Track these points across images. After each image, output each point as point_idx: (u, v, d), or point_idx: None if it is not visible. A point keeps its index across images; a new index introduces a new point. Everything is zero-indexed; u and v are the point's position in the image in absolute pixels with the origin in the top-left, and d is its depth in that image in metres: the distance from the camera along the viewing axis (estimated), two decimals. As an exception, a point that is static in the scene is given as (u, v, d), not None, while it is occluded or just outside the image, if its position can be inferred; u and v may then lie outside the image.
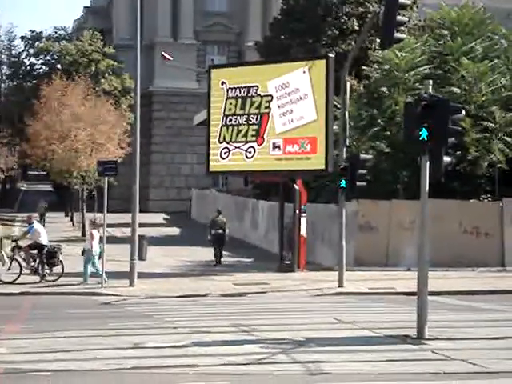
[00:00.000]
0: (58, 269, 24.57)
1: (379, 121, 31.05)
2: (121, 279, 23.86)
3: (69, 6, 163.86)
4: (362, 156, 24.30)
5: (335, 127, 26.88)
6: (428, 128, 14.15)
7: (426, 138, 14.19)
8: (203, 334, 14.60)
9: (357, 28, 37.59)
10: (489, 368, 11.51)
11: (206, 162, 28.61)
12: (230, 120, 27.50)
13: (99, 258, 24.18)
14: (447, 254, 26.60)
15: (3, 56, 69.53)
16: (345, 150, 23.67)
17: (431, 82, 15.44)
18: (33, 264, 24.53)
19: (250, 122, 27.13)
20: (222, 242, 30.37)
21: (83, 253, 24.50)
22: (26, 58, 66.02)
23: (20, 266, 24.30)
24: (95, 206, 37.68)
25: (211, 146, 28.02)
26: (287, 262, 27.51)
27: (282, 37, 40.26)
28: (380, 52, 31.76)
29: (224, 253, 32.54)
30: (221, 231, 30.42)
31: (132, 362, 12.11)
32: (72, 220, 49.78)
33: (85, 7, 77.45)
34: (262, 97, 26.95)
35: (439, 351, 12.79)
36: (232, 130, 27.44)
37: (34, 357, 12.67)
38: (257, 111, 27.04)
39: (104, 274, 23.50)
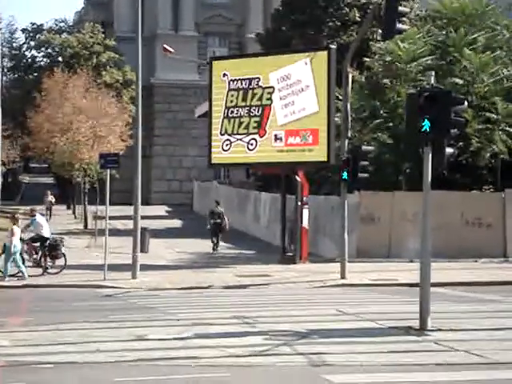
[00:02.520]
0: (60, 261, 24.62)
1: (381, 112, 30.98)
2: (123, 271, 23.87)
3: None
4: (364, 148, 24.30)
5: (337, 119, 26.84)
6: (430, 119, 14.11)
7: (428, 130, 14.15)
8: (206, 326, 14.60)
9: (358, 19, 37.53)
10: (491, 359, 11.52)
11: (208, 154, 28.60)
12: (232, 112, 27.47)
13: (20, 253, 23.76)
14: (450, 246, 26.57)
15: (4, 49, 69.39)
16: (347, 141, 23.63)
17: (433, 73, 15.39)
18: (35, 257, 24.57)
19: (252, 114, 27.10)
20: (219, 230, 32.27)
21: (3, 250, 23.46)
22: (27, 50, 65.87)
23: (23, 258, 24.30)
24: (97, 199, 37.63)
25: (213, 138, 28.01)
26: (289, 254, 27.51)
27: (284, 28, 40.24)
28: (382, 43, 31.67)
29: (226, 245, 32.65)
30: (219, 221, 32.17)
31: (135, 354, 12.12)
32: (74, 213, 49.77)
33: (86, -1, 77.30)
34: (263, 88, 26.92)
35: (442, 342, 12.80)
36: (234, 122, 27.42)
37: (36, 349, 12.69)
38: (258, 103, 27.01)
39: (23, 269, 23.18)
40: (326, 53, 26.21)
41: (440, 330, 13.90)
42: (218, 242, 32.44)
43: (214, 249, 32.26)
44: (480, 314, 16.18)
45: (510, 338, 13.18)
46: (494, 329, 14.00)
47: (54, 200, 47.63)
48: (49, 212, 45.45)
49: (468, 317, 15.62)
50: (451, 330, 13.94)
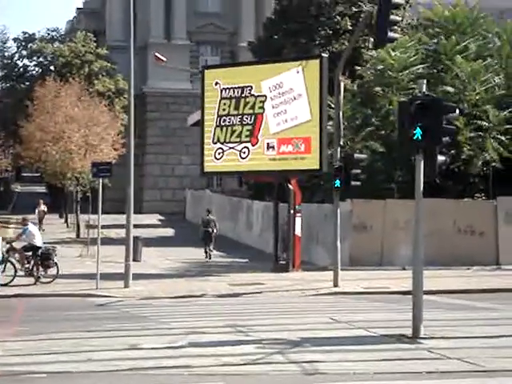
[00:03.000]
0: (52, 270, 24.54)
1: (373, 120, 31.07)
2: (116, 280, 23.83)
3: (61, 8, 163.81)
4: (357, 156, 24.34)
5: (329, 127, 26.89)
6: (422, 127, 14.15)
7: (420, 138, 14.18)
8: (199, 335, 14.58)
9: (350, 28, 37.61)
10: (484, 366, 11.52)
11: (200, 162, 28.61)
12: (224, 120, 27.50)
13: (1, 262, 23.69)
14: (442, 253, 26.62)
15: (-4, 58, 69.32)
16: (339, 149, 23.65)
17: (425, 81, 15.45)
18: (27, 266, 24.49)
19: (244, 123, 27.13)
20: (211, 238, 33.04)
21: None
22: (18, 59, 65.79)
23: (14, 267, 24.24)
24: (89, 208, 37.59)
25: (205, 146, 28.02)
26: (282, 262, 27.51)
27: (276, 37, 40.28)
28: (373, 52, 31.77)
29: (219, 253, 32.61)
30: (211, 229, 33.08)
31: (128, 363, 12.09)
32: (66, 221, 49.70)
33: (78, 8, 77.30)
34: (255, 97, 26.96)
35: (435, 350, 12.80)
36: (226, 131, 27.44)
37: (29, 359, 12.65)
38: (251, 111, 27.04)
39: None
40: (317, 61, 26.26)
41: (433, 337, 13.91)
42: (211, 250, 33.02)
43: (206, 256, 32.73)
44: (473, 321, 16.18)
45: (503, 346, 13.19)
46: (487, 336, 14.01)
47: (46, 209, 47.38)
48: (41, 222, 45.09)
49: (461, 324, 15.62)
50: (444, 337, 13.95)
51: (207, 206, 39.00)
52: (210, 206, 41.39)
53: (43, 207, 46.82)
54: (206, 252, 32.83)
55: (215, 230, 33.26)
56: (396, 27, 23.48)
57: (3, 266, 24.29)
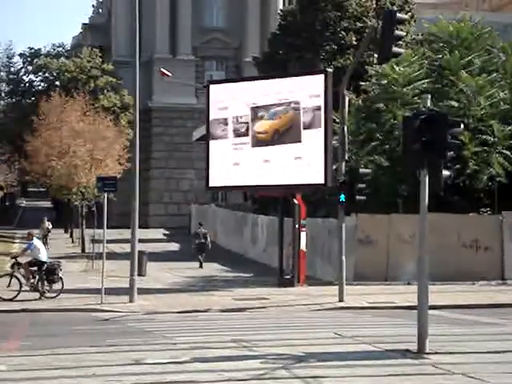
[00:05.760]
0: (57, 285, 24.52)
1: (378, 135, 31.06)
2: (121, 295, 23.82)
3: (67, 23, 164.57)
4: (361, 170, 24.34)
5: (334, 141, 26.89)
6: (427, 142, 14.16)
7: (424, 152, 14.19)
8: (203, 350, 14.56)
9: (355, 43, 37.69)
10: (489, 382, 11.48)
11: (205, 177, 28.61)
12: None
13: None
14: (447, 268, 26.55)
15: (2, 73, 69.63)
16: (344, 164, 23.66)
17: (429, 96, 15.46)
18: (32, 281, 24.48)
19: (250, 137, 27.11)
20: (204, 249, 35.31)
21: None
22: (24, 75, 66.16)
23: (20, 282, 24.24)
24: (95, 222, 37.60)
25: (210, 161, 28.01)
26: (287, 277, 27.47)
27: (281, 52, 40.39)
28: (378, 66, 31.81)
29: (223, 268, 32.61)
30: (203, 241, 35.49)
31: (132, 378, 12.07)
32: (72, 236, 49.68)
33: (83, 24, 77.61)
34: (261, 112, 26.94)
35: (440, 365, 12.76)
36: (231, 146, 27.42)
37: (33, 374, 12.62)
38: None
39: None
40: (322, 76, 26.29)
41: (438, 352, 13.87)
42: (202, 261, 35.10)
43: (200, 266, 34.88)
44: (478, 336, 16.14)
45: (507, 361, 13.15)
46: (492, 352, 13.97)
47: (50, 227, 46.21)
48: (45, 239, 43.73)
49: (465, 339, 15.58)
50: (449, 353, 13.90)
51: (214, 221, 39.20)
52: (215, 220, 41.42)
53: (47, 224, 45.65)
54: (199, 261, 35.09)
55: (208, 242, 35.57)
56: (400, 42, 23.51)
57: (9, 280, 24.34)
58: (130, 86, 40.53)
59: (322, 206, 31.47)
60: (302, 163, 26.03)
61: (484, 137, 29.81)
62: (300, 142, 26.09)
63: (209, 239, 36.07)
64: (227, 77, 58.94)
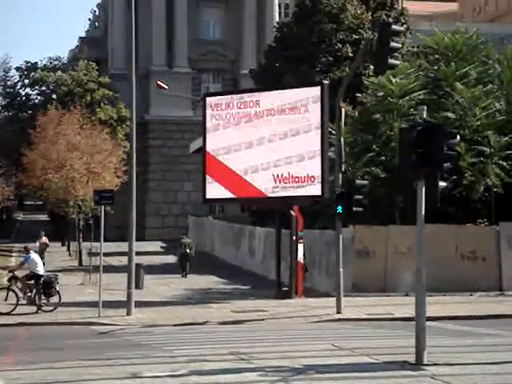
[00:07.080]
0: (54, 299, 24.48)
1: (374, 146, 31.09)
2: (118, 308, 23.77)
3: (64, 37, 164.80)
4: (358, 181, 24.39)
5: (331, 153, 26.92)
6: (423, 153, 14.17)
7: (421, 164, 14.21)
8: (201, 363, 14.52)
9: (351, 55, 37.76)
10: (488, 393, 11.48)
11: (202, 189, 28.62)
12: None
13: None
14: (445, 279, 26.52)
15: (-1, 87, 69.69)
16: (340, 175, 23.68)
17: (425, 107, 15.48)
18: (29, 294, 24.43)
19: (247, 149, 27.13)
20: (187, 259, 36.36)
21: None
22: (21, 88, 66.24)
23: (17, 296, 24.19)
24: (92, 235, 37.55)
25: (207, 173, 28.02)
26: (285, 289, 27.45)
27: (277, 64, 40.46)
28: (374, 78, 31.89)
29: (221, 280, 32.51)
30: (188, 250, 36.54)
31: (130, 391, 12.04)
32: (69, 249, 49.59)
33: (80, 37, 77.92)
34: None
35: (438, 377, 12.74)
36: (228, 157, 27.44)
37: (31, 388, 12.60)
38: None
39: None
40: (319, 88, 26.34)
41: (436, 364, 13.85)
42: (187, 272, 35.92)
43: (183, 275, 35.79)
44: (476, 347, 16.13)
45: (506, 372, 13.12)
46: (490, 363, 13.95)
47: (47, 241, 45.33)
48: (42, 254, 42.98)
49: (464, 351, 15.57)
50: (447, 364, 13.89)
51: (211, 233, 39.16)
52: (213, 232, 41.42)
53: (44, 239, 44.82)
54: (183, 270, 36.04)
55: (191, 252, 36.59)
56: (396, 54, 23.56)
57: (5, 294, 24.30)
58: (126, 99, 40.50)
59: (319, 217, 31.47)
60: (299, 175, 26.04)
61: (480, 148, 29.86)
62: (296, 153, 26.11)
63: (193, 248, 37.10)
64: (224, 89, 59.01)
